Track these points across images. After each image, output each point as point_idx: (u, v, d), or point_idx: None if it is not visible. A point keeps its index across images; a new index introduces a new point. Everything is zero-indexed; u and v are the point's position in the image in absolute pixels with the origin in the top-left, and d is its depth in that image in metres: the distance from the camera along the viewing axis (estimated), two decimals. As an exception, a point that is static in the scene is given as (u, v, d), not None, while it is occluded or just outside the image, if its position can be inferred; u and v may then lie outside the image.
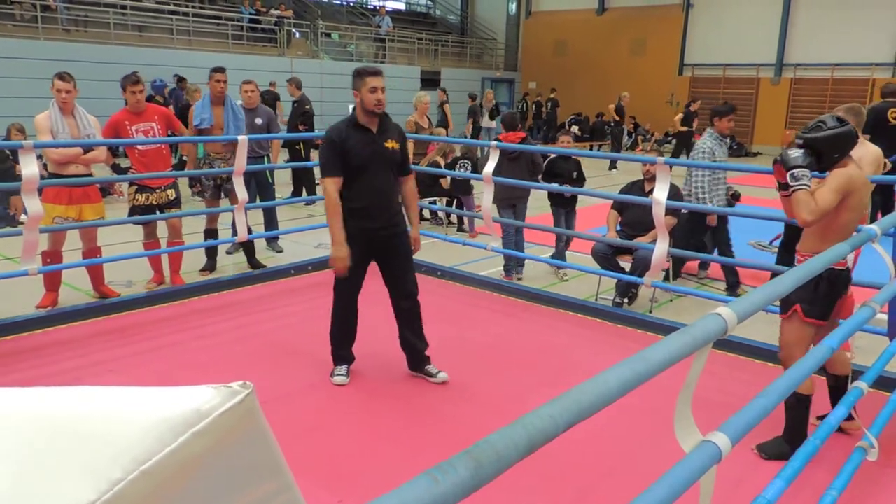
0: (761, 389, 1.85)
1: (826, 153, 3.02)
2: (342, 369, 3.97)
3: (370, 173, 3.70)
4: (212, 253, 6.14)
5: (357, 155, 3.66)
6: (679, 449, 1.52)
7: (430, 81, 20.07)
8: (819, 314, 3.13)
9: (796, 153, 3.01)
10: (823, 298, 3.10)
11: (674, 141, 20.03)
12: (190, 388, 0.60)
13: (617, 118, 16.62)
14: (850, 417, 3.12)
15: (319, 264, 6.21)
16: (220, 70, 5.96)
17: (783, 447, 3.19)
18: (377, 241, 3.79)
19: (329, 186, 3.70)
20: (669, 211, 4.94)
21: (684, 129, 14.94)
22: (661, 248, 4.78)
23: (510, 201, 6.14)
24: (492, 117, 16.71)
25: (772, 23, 19.88)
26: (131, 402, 0.59)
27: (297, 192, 9.30)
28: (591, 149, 18.29)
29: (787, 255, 5.74)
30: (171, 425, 0.57)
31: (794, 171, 2.99)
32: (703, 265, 6.54)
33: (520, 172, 6.02)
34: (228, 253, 6.66)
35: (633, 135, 19.90)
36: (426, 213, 8.67)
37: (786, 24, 19.75)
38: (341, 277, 3.83)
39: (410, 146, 6.95)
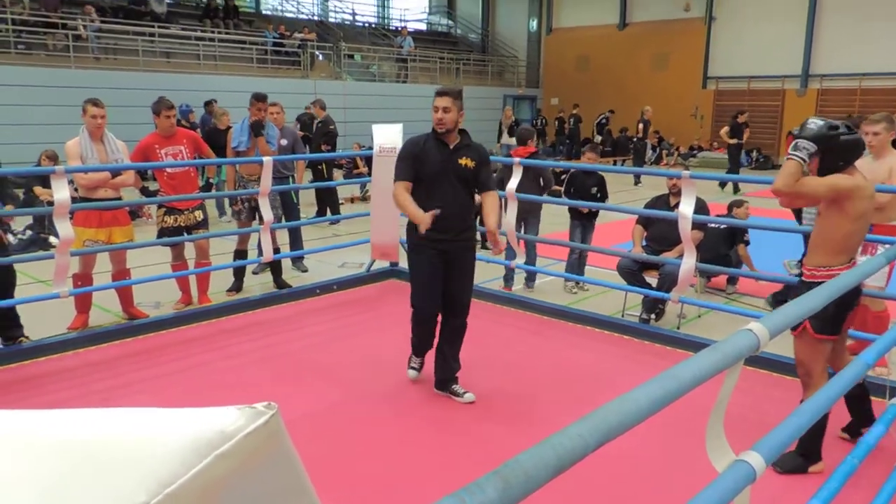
0: (795, 407, 1.80)
1: (834, 156, 2.97)
2: (416, 362, 4.18)
3: (440, 186, 3.79)
4: (239, 273, 6.20)
5: (429, 166, 3.79)
6: (711, 469, 1.48)
7: (452, 100, 20.14)
8: (830, 330, 3.06)
9: (817, 123, 2.96)
10: (833, 314, 2.99)
11: (698, 154, 19.86)
12: (214, 409, 0.60)
13: (640, 134, 16.33)
14: (869, 423, 3.10)
15: (344, 283, 6.24)
16: (261, 98, 6.05)
17: (797, 461, 3.13)
18: (443, 252, 3.85)
19: (397, 187, 3.81)
20: (696, 225, 4.88)
21: (733, 141, 14.16)
22: (688, 263, 4.72)
23: (520, 216, 6.04)
24: (511, 134, 16.72)
25: (796, 33, 19.69)
26: (156, 423, 0.59)
27: (321, 212, 9.37)
28: (614, 164, 18.21)
29: None
30: (195, 447, 0.56)
31: (800, 140, 2.93)
32: (732, 280, 6.45)
33: (529, 187, 5.96)
34: (255, 273, 6.72)
35: (658, 149, 19.77)
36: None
37: (811, 34, 19.55)
38: (421, 287, 3.93)
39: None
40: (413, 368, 4.21)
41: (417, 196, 3.81)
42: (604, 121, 19.56)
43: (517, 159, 5.73)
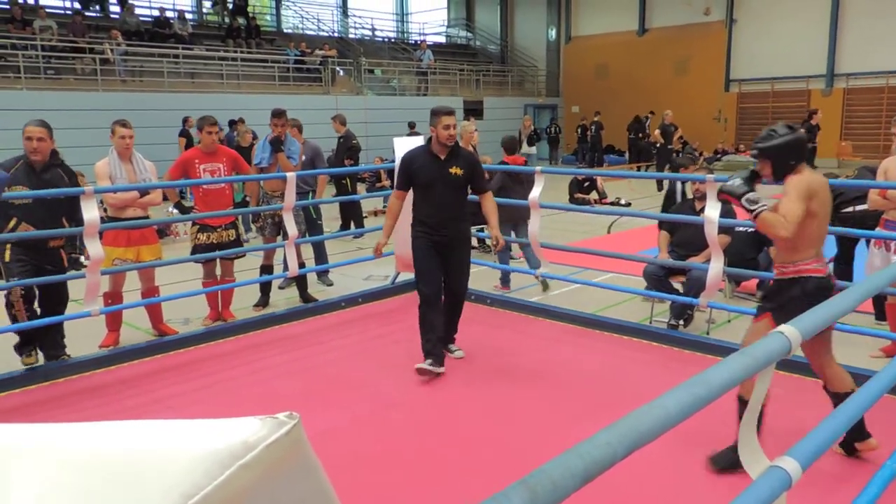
0: (830, 412, 1.76)
1: (780, 161, 3.05)
2: (427, 362, 4.38)
3: (433, 191, 4.45)
4: (265, 288, 6.25)
5: (423, 176, 4.46)
6: (745, 475, 1.45)
7: (473, 111, 20.24)
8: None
9: (734, 181, 3.10)
10: (797, 309, 2.99)
11: (722, 158, 19.59)
12: (237, 419, 0.60)
13: (662, 140, 15.69)
14: (865, 437, 3.11)
15: (369, 296, 6.26)
16: (277, 114, 6.12)
17: (733, 456, 3.10)
18: (438, 243, 4.48)
19: (392, 196, 4.69)
20: (723, 229, 4.82)
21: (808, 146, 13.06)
22: (715, 268, 4.65)
23: (514, 221, 6.54)
24: (531, 143, 16.57)
25: (820, 33, 19.43)
26: (179, 435, 0.59)
27: (345, 226, 9.42)
28: (637, 169, 18.07)
29: (843, 267, 5.53)
30: (218, 458, 0.56)
31: (747, 195, 3.02)
32: (761, 285, 6.33)
33: (524, 195, 6.01)
34: (281, 288, 6.77)
35: (681, 153, 19.57)
36: (474, 241, 8.65)
37: (834, 33, 19.27)
38: (423, 274, 4.50)
39: None
40: (430, 364, 4.34)
41: (416, 199, 4.54)
42: (646, 123, 19.31)
43: (539, 168, 5.72)
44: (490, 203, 4.65)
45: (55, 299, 4.68)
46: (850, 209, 5.45)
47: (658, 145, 16.07)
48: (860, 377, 3.81)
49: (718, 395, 1.28)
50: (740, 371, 1.34)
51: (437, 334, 4.43)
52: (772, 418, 3.30)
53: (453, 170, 4.44)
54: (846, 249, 5.58)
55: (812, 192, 2.97)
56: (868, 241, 5.00)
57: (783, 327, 1.51)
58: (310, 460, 0.63)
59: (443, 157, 4.44)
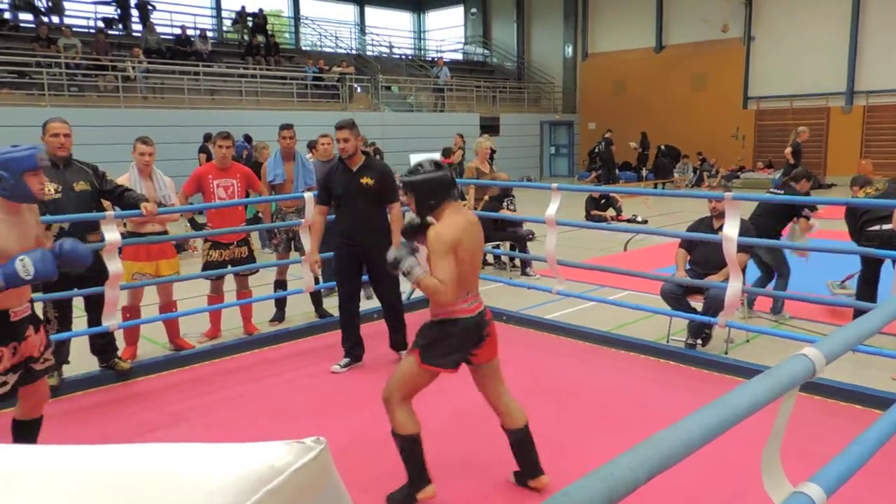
0: (855, 435, 1.73)
1: (421, 196, 3.04)
2: (344, 361, 4.90)
3: (347, 202, 4.74)
4: (281, 304, 6.27)
5: (337, 187, 4.74)
6: (769, 501, 1.42)
7: (489, 127, 20.31)
8: (436, 363, 3.02)
9: (392, 253, 3.11)
10: (438, 348, 3.00)
11: (741, 175, 19.33)
12: (264, 444, 0.60)
13: (792, 160, 13.08)
14: (538, 474, 3.21)
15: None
16: (288, 127, 6.17)
17: (406, 491, 3.12)
18: (356, 253, 4.79)
19: (314, 212, 5.03)
20: (742, 248, 4.78)
21: None
22: (734, 287, 4.61)
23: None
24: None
25: (839, 50, 19.32)
26: (207, 459, 0.59)
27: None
28: (654, 187, 18.03)
29: (867, 287, 5.46)
30: (245, 484, 0.56)
31: (404, 267, 3.00)
32: (775, 309, 6.22)
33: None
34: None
35: (699, 171, 19.50)
36: (489, 258, 8.64)
37: (854, 50, 19.15)
38: (339, 281, 4.98)
39: (470, 192, 7.92)
40: (338, 365, 4.85)
41: (336, 211, 4.83)
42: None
43: (555, 185, 5.71)
44: (395, 214, 4.82)
45: (100, 309, 4.64)
46: (876, 227, 5.38)
47: (788, 164, 13.08)
48: (884, 400, 3.77)
49: (742, 418, 1.26)
50: (765, 394, 1.32)
51: (354, 337, 4.91)
52: (796, 442, 3.25)
53: (364, 180, 4.65)
54: (871, 269, 5.50)
55: (455, 242, 2.92)
56: (894, 262, 4.93)
57: (807, 350, 1.49)
58: (336, 485, 0.63)
59: (354, 169, 4.69)
